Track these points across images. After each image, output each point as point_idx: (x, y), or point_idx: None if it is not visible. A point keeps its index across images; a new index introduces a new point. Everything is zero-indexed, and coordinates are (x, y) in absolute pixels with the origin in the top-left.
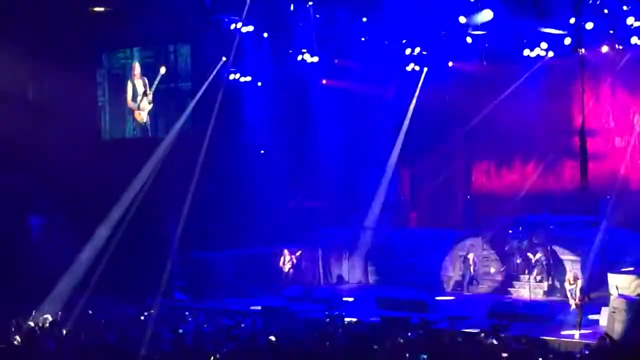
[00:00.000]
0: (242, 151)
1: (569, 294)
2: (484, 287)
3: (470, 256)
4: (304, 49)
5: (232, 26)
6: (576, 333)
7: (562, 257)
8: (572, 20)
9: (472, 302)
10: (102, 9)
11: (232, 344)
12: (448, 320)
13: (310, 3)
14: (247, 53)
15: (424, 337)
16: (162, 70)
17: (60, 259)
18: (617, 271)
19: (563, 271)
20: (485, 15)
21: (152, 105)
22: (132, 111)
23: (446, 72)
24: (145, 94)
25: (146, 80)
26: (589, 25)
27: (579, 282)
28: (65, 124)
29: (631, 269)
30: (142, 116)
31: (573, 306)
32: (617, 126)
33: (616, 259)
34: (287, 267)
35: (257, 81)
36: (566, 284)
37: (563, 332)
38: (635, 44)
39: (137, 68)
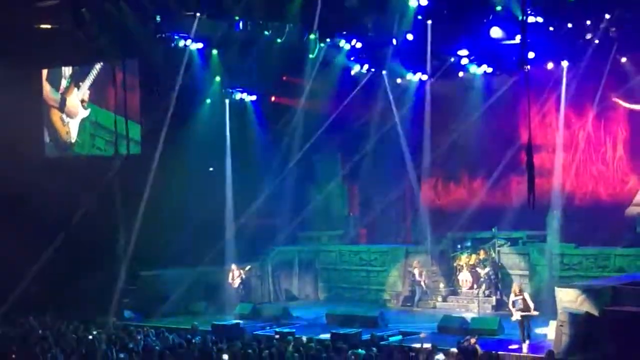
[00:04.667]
0: (191, 168)
1: (511, 305)
2: (433, 303)
3: (419, 272)
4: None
5: (181, 43)
6: (524, 346)
7: (510, 271)
8: (518, 38)
9: (422, 317)
10: (48, 26)
11: None
12: (399, 336)
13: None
14: (196, 69)
15: (374, 353)
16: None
17: (6, 278)
18: (565, 285)
19: (511, 286)
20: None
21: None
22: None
23: (394, 88)
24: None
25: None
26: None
27: (525, 295)
28: (8, 141)
29: (580, 283)
30: (72, 133)
31: (515, 318)
32: (562, 142)
33: (562, 273)
34: (236, 283)
35: (205, 97)
36: (511, 296)
37: (511, 347)
38: (580, 60)
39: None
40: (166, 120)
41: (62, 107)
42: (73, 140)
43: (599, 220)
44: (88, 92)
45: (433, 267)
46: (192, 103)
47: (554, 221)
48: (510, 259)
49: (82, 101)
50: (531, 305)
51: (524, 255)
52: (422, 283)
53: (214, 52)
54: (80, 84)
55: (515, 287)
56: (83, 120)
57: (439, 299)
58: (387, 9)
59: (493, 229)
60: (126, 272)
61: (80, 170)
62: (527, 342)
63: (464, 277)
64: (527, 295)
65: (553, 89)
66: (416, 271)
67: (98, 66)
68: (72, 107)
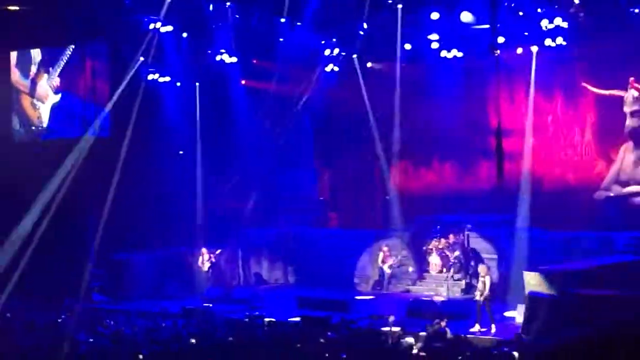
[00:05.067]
0: (161, 152)
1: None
2: (403, 286)
3: (389, 255)
4: (222, 49)
5: (151, 26)
6: (492, 328)
7: (479, 255)
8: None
9: (391, 301)
10: (16, 7)
11: (152, 346)
12: (368, 319)
13: (229, 4)
14: (166, 53)
15: (344, 337)
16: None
17: None
18: (532, 269)
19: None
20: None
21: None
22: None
23: (365, 73)
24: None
25: (55, 80)
26: (505, 27)
27: (487, 278)
28: None
29: (545, 266)
30: (43, 118)
31: (478, 298)
32: (531, 127)
33: (531, 257)
34: (206, 267)
35: (176, 81)
36: (479, 278)
37: (481, 329)
38: (549, 45)
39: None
40: (136, 103)
41: (32, 92)
42: (45, 125)
43: (568, 205)
44: (58, 78)
45: (403, 251)
46: (162, 86)
47: (522, 205)
48: (479, 242)
49: (52, 87)
50: (486, 288)
51: (493, 239)
52: (392, 267)
53: (184, 34)
54: (50, 69)
55: (480, 269)
56: (54, 105)
57: (409, 282)
58: None
59: (462, 213)
60: (96, 255)
61: (50, 154)
62: (493, 325)
63: (434, 261)
64: (487, 279)
65: (522, 74)
66: (386, 255)
67: (68, 52)
68: (43, 92)
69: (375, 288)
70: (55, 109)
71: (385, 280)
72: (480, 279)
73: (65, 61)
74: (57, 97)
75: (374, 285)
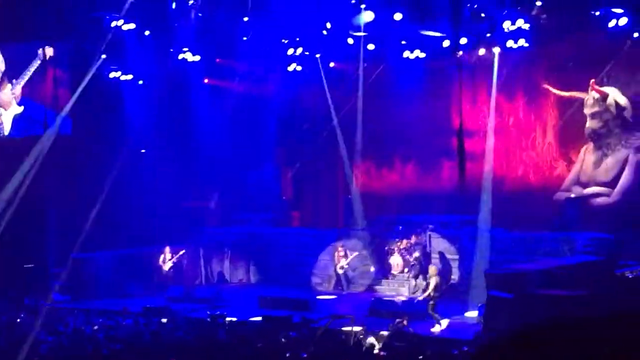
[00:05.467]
0: (123, 150)
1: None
2: (364, 286)
3: (351, 255)
4: (185, 47)
5: (113, 23)
6: (436, 327)
7: (442, 255)
8: (451, 23)
9: (352, 300)
10: None
11: (112, 344)
12: (329, 319)
13: (192, 2)
14: (128, 51)
15: (305, 336)
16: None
17: None
18: (493, 269)
19: (441, 270)
20: (366, 16)
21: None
22: None
23: (328, 73)
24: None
25: (18, 91)
26: (467, 28)
27: (435, 279)
28: None
29: (506, 266)
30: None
31: (420, 298)
32: (493, 128)
33: (492, 257)
34: (167, 266)
35: (138, 79)
36: (427, 277)
37: (442, 329)
38: (511, 47)
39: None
40: (97, 102)
41: None
42: (6, 133)
43: (529, 205)
44: (21, 89)
45: (364, 251)
46: (124, 84)
47: (484, 206)
48: (440, 243)
49: (16, 97)
50: (430, 289)
51: (454, 239)
52: (353, 267)
53: (147, 32)
54: (14, 80)
55: (430, 269)
56: (16, 116)
57: (370, 282)
58: None
59: (425, 214)
60: (57, 253)
61: (9, 154)
62: (437, 325)
63: (395, 261)
64: (434, 280)
65: (485, 75)
66: (348, 255)
67: (35, 65)
68: (6, 99)
69: (337, 287)
70: (17, 119)
71: (347, 280)
72: (428, 278)
73: (29, 75)
74: (20, 109)
75: (336, 284)
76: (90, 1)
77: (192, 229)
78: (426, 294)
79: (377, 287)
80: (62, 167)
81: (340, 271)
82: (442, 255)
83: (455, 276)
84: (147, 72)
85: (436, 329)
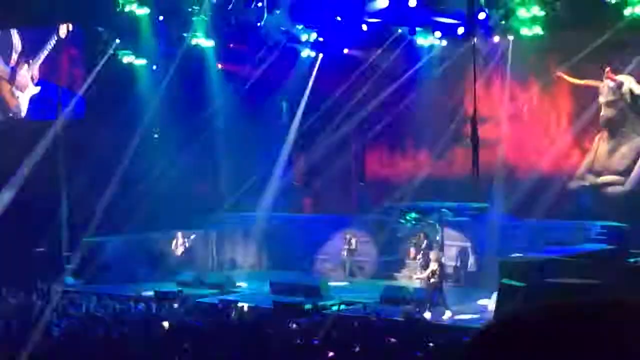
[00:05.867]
0: (136, 135)
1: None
2: (376, 273)
3: (363, 242)
4: (199, 32)
5: (127, 8)
6: (427, 314)
7: (453, 242)
8: (466, 10)
9: (364, 287)
10: None
11: (124, 328)
12: (342, 306)
13: None
14: (141, 35)
15: (317, 322)
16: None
17: None
18: (506, 257)
19: (453, 257)
20: (381, 2)
21: (36, 87)
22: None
23: (342, 59)
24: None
25: (35, 71)
26: (482, 15)
27: (436, 265)
28: None
29: (519, 255)
30: (21, 107)
31: (419, 282)
32: (507, 115)
33: (505, 245)
34: (179, 251)
35: (152, 64)
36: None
37: (456, 317)
38: (526, 34)
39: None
40: (111, 86)
41: (12, 79)
42: (23, 115)
43: (542, 193)
44: (38, 70)
45: (377, 238)
46: (138, 69)
47: (497, 193)
48: (453, 230)
49: (32, 78)
50: (432, 274)
51: (467, 226)
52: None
53: (161, 17)
54: (31, 61)
55: (432, 255)
56: (33, 97)
57: (382, 269)
58: None
59: (437, 201)
60: (69, 238)
61: (24, 136)
62: (428, 312)
63: (408, 248)
64: (435, 266)
65: (499, 62)
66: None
67: (50, 45)
68: (23, 81)
69: (349, 274)
70: (33, 100)
71: (359, 267)
72: (429, 262)
73: (45, 54)
74: (37, 89)
75: (348, 271)
76: None
77: (204, 214)
78: (423, 275)
79: (389, 274)
80: (75, 150)
81: (347, 258)
82: (453, 242)
83: (468, 263)
84: (161, 57)
85: (445, 315)
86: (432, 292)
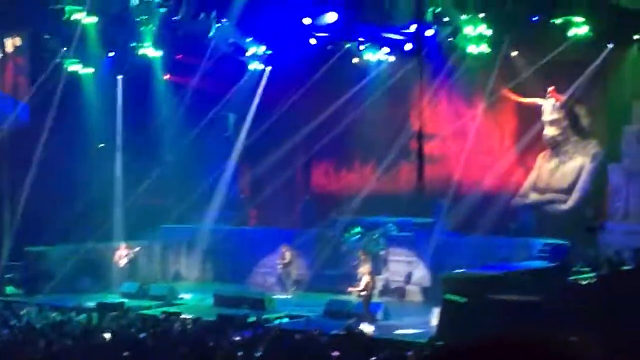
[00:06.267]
0: (81, 144)
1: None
2: (321, 287)
3: (299, 256)
4: (146, 42)
5: (74, 16)
6: (368, 327)
7: (398, 258)
8: (413, 27)
9: (308, 301)
10: None
11: (64, 340)
12: (285, 319)
13: None
14: (88, 44)
15: (260, 335)
16: None
17: None
18: (449, 273)
19: (397, 272)
20: (330, 17)
21: None
22: None
23: (290, 72)
24: None
25: None
26: (429, 32)
27: (366, 277)
28: None
29: (462, 270)
30: None
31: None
32: (452, 131)
33: (448, 261)
34: (123, 263)
35: (98, 73)
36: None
37: (397, 332)
38: (473, 52)
39: None
40: (56, 94)
41: None
42: None
43: (486, 210)
44: None
45: (322, 252)
46: (84, 78)
47: (441, 209)
48: (397, 245)
49: None
50: (362, 286)
51: (410, 242)
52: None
53: (109, 26)
54: None
55: (362, 269)
56: None
57: (327, 283)
58: None
59: (382, 216)
60: (11, 247)
61: None
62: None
63: (352, 262)
64: (366, 278)
65: (446, 79)
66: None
67: None
68: None
69: (293, 287)
70: None
71: (304, 280)
72: (361, 275)
73: None
74: None
75: (293, 284)
76: None
77: (149, 226)
78: (356, 290)
79: (333, 288)
80: (19, 158)
81: (282, 272)
82: (398, 258)
83: (412, 278)
84: (108, 66)
85: (367, 328)
86: (366, 305)
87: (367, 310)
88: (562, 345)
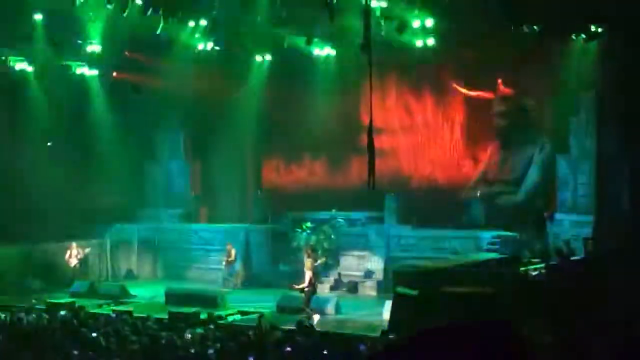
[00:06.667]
0: (28, 143)
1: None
2: (274, 282)
3: (260, 252)
4: (93, 39)
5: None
6: (313, 319)
7: (350, 252)
8: (361, 21)
9: (261, 297)
10: None
11: (14, 340)
12: (238, 315)
13: None
14: (34, 42)
15: (213, 332)
16: None
17: None
18: (400, 266)
19: (349, 266)
20: None
21: None
22: None
23: (237, 65)
24: None
25: None
26: (378, 26)
27: (309, 273)
28: None
29: (413, 263)
30: None
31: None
32: (402, 126)
33: (399, 254)
34: (73, 262)
35: (43, 71)
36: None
37: (349, 326)
38: (421, 46)
39: None
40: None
41: None
42: None
43: (436, 203)
44: None
45: (274, 247)
46: (30, 76)
47: (392, 203)
48: (348, 239)
49: None
50: (306, 282)
51: (362, 236)
52: (224, 264)
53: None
54: None
55: (306, 263)
56: None
57: (279, 278)
58: None
59: (333, 210)
60: None
61: None
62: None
63: (303, 257)
64: (309, 274)
65: (395, 73)
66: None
67: None
68: None
69: (244, 283)
70: None
71: (256, 276)
72: (307, 273)
73: None
74: None
75: (244, 280)
76: None
77: (99, 224)
78: (300, 287)
79: (285, 284)
80: None
81: (226, 269)
82: (349, 252)
83: (364, 272)
84: (53, 63)
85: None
86: (307, 301)
87: (308, 306)
88: (511, 332)
